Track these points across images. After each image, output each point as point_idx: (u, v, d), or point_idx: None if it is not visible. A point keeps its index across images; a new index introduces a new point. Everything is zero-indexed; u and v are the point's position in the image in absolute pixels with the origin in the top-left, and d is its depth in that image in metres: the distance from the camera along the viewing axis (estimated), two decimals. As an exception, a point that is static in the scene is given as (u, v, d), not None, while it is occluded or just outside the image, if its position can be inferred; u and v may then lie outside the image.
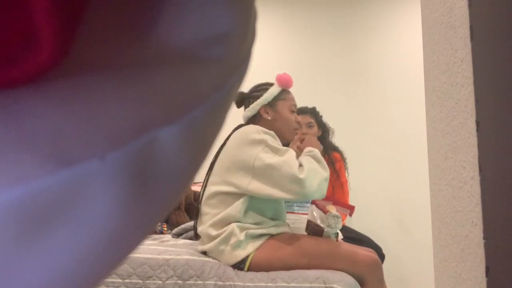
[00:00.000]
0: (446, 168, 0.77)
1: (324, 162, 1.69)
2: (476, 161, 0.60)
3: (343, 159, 2.84)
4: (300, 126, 1.88)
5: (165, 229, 2.58)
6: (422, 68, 0.96)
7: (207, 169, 1.78)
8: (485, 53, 0.58)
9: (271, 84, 1.84)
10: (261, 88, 1.83)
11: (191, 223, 2.25)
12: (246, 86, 2.28)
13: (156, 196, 0.21)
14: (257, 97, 1.81)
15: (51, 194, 0.16)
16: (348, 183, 2.80)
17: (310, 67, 3.56)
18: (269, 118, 1.79)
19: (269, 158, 1.57)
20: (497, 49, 0.54)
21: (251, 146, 1.61)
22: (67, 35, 0.20)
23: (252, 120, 1.83)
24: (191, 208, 2.83)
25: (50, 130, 0.17)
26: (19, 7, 0.18)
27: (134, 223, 0.20)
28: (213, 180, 1.69)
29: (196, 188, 3.07)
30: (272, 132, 1.68)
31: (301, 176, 1.54)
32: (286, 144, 1.82)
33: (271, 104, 1.80)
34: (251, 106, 1.81)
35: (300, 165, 1.60)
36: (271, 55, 3.61)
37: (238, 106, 1.89)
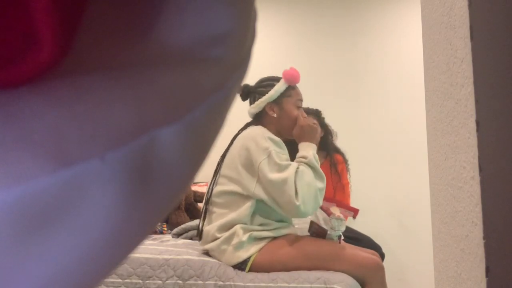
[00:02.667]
0: (446, 168, 0.77)
1: (319, 168, 1.64)
2: (476, 161, 0.60)
3: (345, 161, 2.83)
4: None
5: (165, 229, 2.58)
6: (422, 68, 0.96)
7: (211, 169, 1.76)
8: (485, 53, 0.58)
9: (277, 79, 1.79)
10: (267, 84, 1.79)
11: (191, 223, 2.25)
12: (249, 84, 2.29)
13: (156, 196, 0.20)
14: (263, 93, 1.77)
15: (50, 194, 0.16)
16: (349, 185, 2.80)
17: (309, 68, 3.56)
18: (275, 116, 1.76)
19: (268, 172, 1.56)
20: (497, 49, 0.54)
21: (257, 151, 1.59)
22: (67, 35, 0.20)
23: (258, 116, 1.80)
24: (191, 208, 2.83)
25: (50, 130, 0.17)
26: (19, 7, 0.18)
27: (134, 223, 0.20)
28: (221, 181, 1.68)
29: (196, 188, 3.07)
30: (278, 140, 1.64)
31: (297, 202, 1.52)
32: (292, 139, 1.78)
33: (277, 101, 1.76)
34: (257, 103, 1.78)
35: (296, 189, 1.55)
36: (271, 55, 3.61)
37: (244, 99, 1.85)
